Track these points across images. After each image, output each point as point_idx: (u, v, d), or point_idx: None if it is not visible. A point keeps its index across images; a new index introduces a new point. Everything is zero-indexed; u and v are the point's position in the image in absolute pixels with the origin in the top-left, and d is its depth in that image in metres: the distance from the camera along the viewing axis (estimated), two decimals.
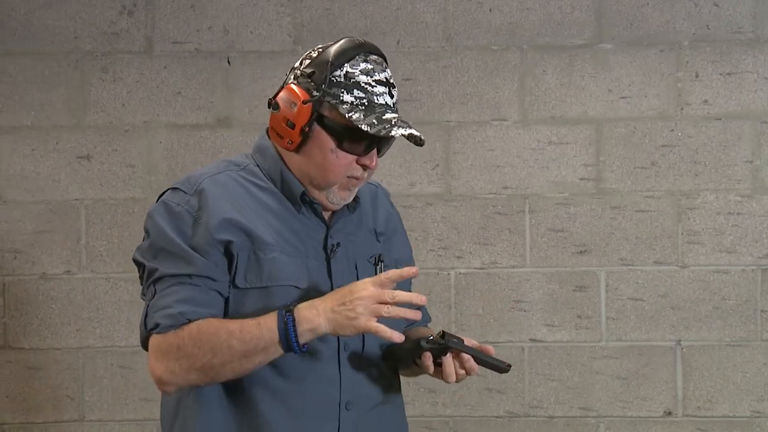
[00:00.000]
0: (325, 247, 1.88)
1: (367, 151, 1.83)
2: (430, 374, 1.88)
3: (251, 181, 1.89)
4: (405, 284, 2.06)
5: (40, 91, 3.33)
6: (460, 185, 3.32)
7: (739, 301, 3.28)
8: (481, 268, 3.31)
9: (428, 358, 1.84)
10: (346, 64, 1.82)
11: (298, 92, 1.82)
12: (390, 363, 1.90)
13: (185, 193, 1.83)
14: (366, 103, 1.80)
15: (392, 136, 1.79)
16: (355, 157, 1.83)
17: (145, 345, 1.82)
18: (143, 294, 1.85)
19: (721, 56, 3.30)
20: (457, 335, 1.87)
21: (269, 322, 1.72)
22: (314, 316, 1.72)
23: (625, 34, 3.31)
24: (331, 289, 1.84)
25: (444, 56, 3.33)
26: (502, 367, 1.89)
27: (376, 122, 1.78)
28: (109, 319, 3.32)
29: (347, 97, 1.80)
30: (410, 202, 3.30)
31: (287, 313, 1.71)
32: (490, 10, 3.33)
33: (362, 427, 1.87)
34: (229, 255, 1.80)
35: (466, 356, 1.85)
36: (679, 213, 3.29)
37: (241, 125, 3.32)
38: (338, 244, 1.88)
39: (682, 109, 3.30)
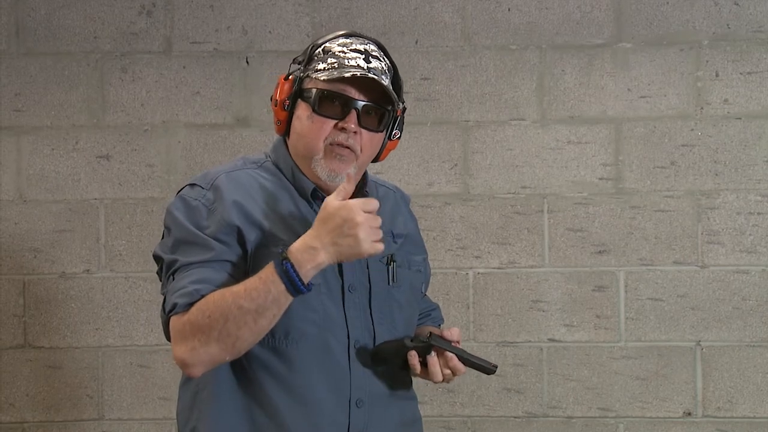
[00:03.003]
0: None
1: (343, 114, 1.85)
2: (417, 373, 1.89)
3: (266, 178, 1.92)
4: (417, 283, 2.06)
5: (60, 91, 3.35)
6: (479, 185, 3.32)
7: (759, 302, 3.26)
8: (499, 268, 3.31)
9: (414, 357, 1.86)
10: (327, 43, 1.90)
11: (282, 77, 1.92)
12: (379, 364, 1.90)
13: (202, 188, 1.87)
14: (336, 66, 1.85)
15: (344, 76, 1.82)
16: (333, 121, 1.86)
17: (168, 335, 1.83)
18: (163, 287, 1.87)
19: (742, 55, 3.28)
20: (445, 337, 1.88)
21: (269, 275, 1.71)
22: (314, 254, 1.71)
23: (644, 34, 3.30)
24: (342, 286, 1.87)
25: (462, 56, 3.33)
26: (488, 368, 1.89)
27: (336, 74, 1.83)
28: (128, 319, 3.33)
29: (321, 65, 1.87)
30: (428, 202, 3.30)
31: (284, 261, 1.70)
32: (509, 10, 3.32)
33: (373, 424, 1.89)
34: (243, 247, 1.82)
35: (450, 355, 1.87)
36: (699, 213, 3.28)
37: (259, 125, 3.32)
38: None
39: (701, 108, 3.28)
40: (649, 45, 3.30)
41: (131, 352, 3.34)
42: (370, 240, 1.72)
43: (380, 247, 1.74)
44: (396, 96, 1.89)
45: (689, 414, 3.27)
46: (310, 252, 1.71)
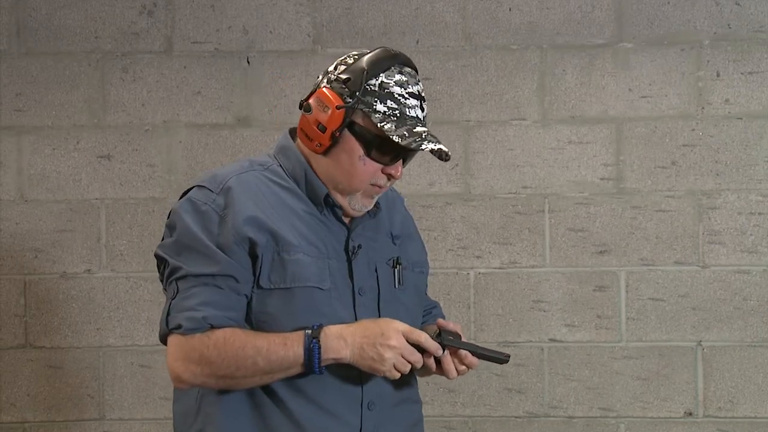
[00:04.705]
0: (346, 249, 1.90)
1: (393, 161, 1.86)
2: (433, 371, 1.90)
3: (275, 181, 1.90)
4: (421, 284, 2.07)
5: (60, 91, 3.35)
6: (480, 185, 3.32)
7: (760, 302, 3.26)
8: (500, 268, 3.31)
9: (428, 357, 1.86)
10: (381, 74, 1.84)
11: (331, 97, 1.83)
12: None
13: (211, 191, 1.85)
14: (398, 115, 1.83)
15: (422, 149, 1.81)
16: (381, 165, 1.86)
17: (164, 340, 1.85)
18: (165, 288, 1.87)
19: (743, 55, 3.28)
20: (453, 332, 1.89)
21: (295, 345, 1.76)
22: (341, 348, 1.77)
23: (645, 33, 3.30)
24: (353, 291, 1.88)
25: (463, 56, 3.33)
26: (501, 359, 1.91)
27: (407, 134, 1.81)
28: (129, 318, 3.33)
29: (380, 107, 1.82)
30: (429, 202, 3.29)
31: (314, 339, 1.75)
32: (510, 10, 3.32)
33: (382, 425, 1.90)
34: (253, 254, 1.81)
35: (464, 353, 1.88)
36: (700, 213, 3.28)
37: (260, 125, 3.32)
38: (359, 246, 1.90)
39: (702, 108, 3.28)
40: (650, 45, 3.29)
41: (132, 352, 3.34)
42: (392, 365, 1.77)
43: (396, 375, 1.79)
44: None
45: (690, 414, 3.27)
46: (339, 342, 1.77)
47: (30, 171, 3.35)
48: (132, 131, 3.35)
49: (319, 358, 1.75)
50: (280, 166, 1.93)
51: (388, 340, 1.77)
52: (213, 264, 1.79)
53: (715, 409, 3.26)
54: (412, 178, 3.28)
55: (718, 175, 3.28)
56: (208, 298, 1.78)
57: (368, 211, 1.95)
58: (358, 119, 1.83)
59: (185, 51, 3.35)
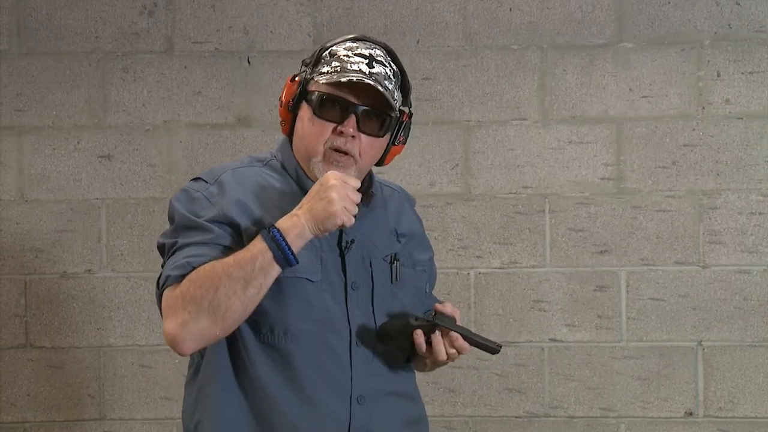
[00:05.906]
0: (339, 243, 1.90)
1: (342, 119, 1.86)
2: (423, 352, 1.87)
3: (272, 176, 1.94)
4: (422, 283, 2.06)
5: (61, 91, 3.35)
6: (480, 185, 3.32)
7: (761, 302, 3.26)
8: (500, 268, 3.31)
9: (419, 336, 1.86)
10: (334, 46, 1.91)
11: (290, 77, 1.92)
12: (386, 343, 1.90)
13: (206, 182, 1.90)
14: (339, 69, 1.86)
15: (341, 81, 1.83)
16: (332, 125, 1.86)
17: (162, 313, 1.85)
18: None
19: (743, 55, 3.28)
20: (449, 316, 1.87)
21: (257, 244, 1.74)
22: (296, 221, 1.75)
23: (645, 33, 3.30)
24: (345, 285, 1.88)
25: (464, 56, 3.33)
26: (492, 347, 1.89)
27: (335, 78, 1.84)
28: (130, 318, 3.33)
29: (325, 68, 1.88)
30: (430, 202, 3.29)
31: (272, 228, 1.74)
32: (510, 10, 3.32)
33: (374, 421, 1.89)
34: (240, 240, 1.83)
35: (455, 335, 1.86)
36: (701, 213, 3.28)
37: (260, 125, 3.33)
38: (352, 241, 1.91)
39: (703, 108, 3.28)
40: (651, 45, 3.30)
41: (133, 352, 3.34)
42: (342, 204, 1.73)
43: (351, 218, 1.75)
44: (396, 101, 1.90)
45: (691, 414, 3.27)
46: (292, 219, 1.75)
47: (30, 171, 3.35)
48: (132, 131, 3.35)
49: (284, 239, 1.73)
50: (279, 162, 1.96)
51: (326, 183, 1.75)
52: (206, 233, 1.82)
53: (715, 409, 3.26)
54: (413, 178, 3.29)
55: (718, 175, 3.28)
56: (196, 252, 1.80)
57: (362, 200, 1.95)
58: (309, 87, 1.89)
59: (186, 51, 3.35)
